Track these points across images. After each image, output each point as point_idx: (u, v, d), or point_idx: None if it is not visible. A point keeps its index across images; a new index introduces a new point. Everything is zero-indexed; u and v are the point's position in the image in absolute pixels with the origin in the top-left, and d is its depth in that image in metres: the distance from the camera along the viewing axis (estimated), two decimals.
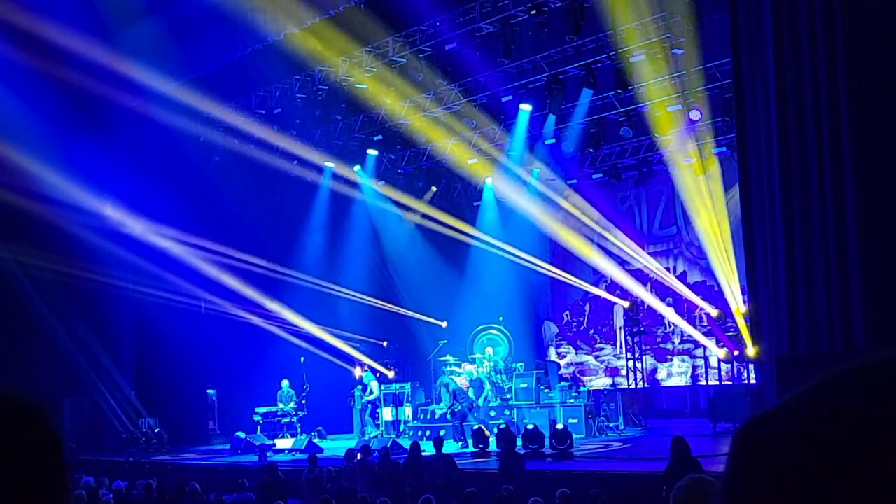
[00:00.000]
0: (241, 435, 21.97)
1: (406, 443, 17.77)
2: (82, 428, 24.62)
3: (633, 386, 23.93)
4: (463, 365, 23.47)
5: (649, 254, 26.41)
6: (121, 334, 25.71)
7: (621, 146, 24.31)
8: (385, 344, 26.29)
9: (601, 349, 27.31)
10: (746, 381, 21.99)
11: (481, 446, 18.46)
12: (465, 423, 20.75)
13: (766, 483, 0.78)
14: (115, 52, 21.17)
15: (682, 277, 25.68)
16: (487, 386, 22.09)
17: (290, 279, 25.88)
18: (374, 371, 24.15)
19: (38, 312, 24.08)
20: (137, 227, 23.78)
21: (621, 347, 26.00)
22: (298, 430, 23.26)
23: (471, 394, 21.98)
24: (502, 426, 19.13)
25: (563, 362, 26.17)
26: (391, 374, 24.63)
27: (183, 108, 22.67)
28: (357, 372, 23.86)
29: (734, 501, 0.81)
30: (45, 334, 24.14)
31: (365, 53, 21.47)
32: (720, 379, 23.53)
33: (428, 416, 22.64)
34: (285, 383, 23.78)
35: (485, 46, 19.85)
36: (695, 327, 24.99)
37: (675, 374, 25.51)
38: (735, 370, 23.39)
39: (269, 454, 19.95)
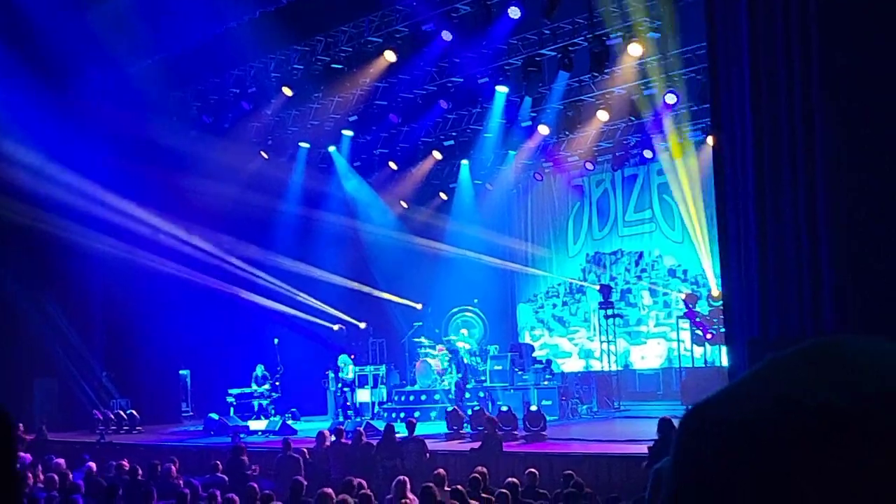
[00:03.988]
0: (215, 416, 21.91)
1: (380, 424, 17.78)
2: (52, 409, 24.50)
3: (606, 369, 24.01)
4: (438, 347, 23.52)
5: (624, 237, 26.48)
6: (91, 314, 25.53)
7: (597, 130, 24.29)
8: (364, 325, 26.28)
9: (575, 332, 27.39)
10: (718, 365, 22.14)
11: (455, 428, 18.52)
12: (465, 400, 20.76)
13: (709, 470, 0.77)
14: (88, 27, 20.91)
15: (657, 261, 25.76)
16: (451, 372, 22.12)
17: (263, 260, 25.78)
18: (348, 353, 24.12)
19: (6, 293, 23.88)
20: (109, 203, 23.54)
21: (595, 330, 26.07)
22: (272, 411, 23.24)
23: (447, 378, 22.03)
24: (476, 408, 19.22)
25: (536, 344, 26.21)
26: (351, 357, 24.43)
27: (157, 85, 22.45)
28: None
29: (680, 489, 0.80)
30: (14, 314, 23.94)
31: (341, 33, 21.35)
32: (693, 362, 23.64)
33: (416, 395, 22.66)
34: (259, 367, 23.74)
35: (462, 27, 19.77)
36: (669, 310, 25.10)
37: (648, 356, 25.62)
38: (707, 353, 23.51)
39: (242, 436, 19.91)
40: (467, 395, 21.72)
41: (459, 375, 21.31)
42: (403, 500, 9.97)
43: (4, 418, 1.29)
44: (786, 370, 0.79)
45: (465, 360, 21.96)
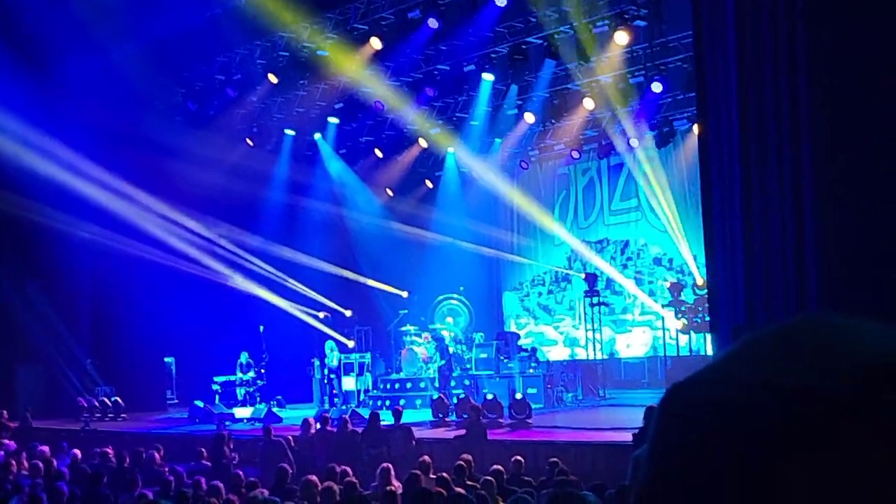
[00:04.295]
0: (200, 404, 21.88)
1: (366, 412, 17.79)
2: (37, 395, 24.40)
3: (591, 357, 24.06)
4: (423, 335, 23.53)
5: (610, 225, 26.52)
6: (76, 302, 25.45)
7: (583, 118, 24.28)
8: (350, 314, 26.25)
9: (560, 320, 27.45)
10: (703, 353, 22.25)
11: (441, 415, 18.55)
12: (449, 388, 20.76)
13: (687, 452, 0.76)
14: (72, 13, 20.76)
15: (643, 249, 25.82)
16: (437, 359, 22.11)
17: (249, 245, 25.70)
18: (335, 340, 24.10)
19: None
20: (93, 190, 23.42)
21: (580, 319, 26.11)
22: (257, 399, 23.22)
23: (433, 367, 22.02)
24: (462, 396, 19.25)
25: (522, 332, 26.24)
26: (351, 345, 24.59)
27: (141, 72, 22.32)
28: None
29: (655, 470, 0.79)
30: None
31: (327, 20, 21.28)
32: (678, 350, 23.74)
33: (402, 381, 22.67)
34: (244, 355, 23.71)
35: (448, 15, 19.73)
36: (654, 299, 25.17)
37: (633, 345, 25.70)
38: (693, 341, 23.61)
39: (227, 423, 19.88)
40: (452, 382, 21.74)
41: (444, 363, 21.31)
42: (388, 487, 9.97)
43: None
44: (764, 349, 0.78)
45: (451, 349, 21.97)
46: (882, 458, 0.69)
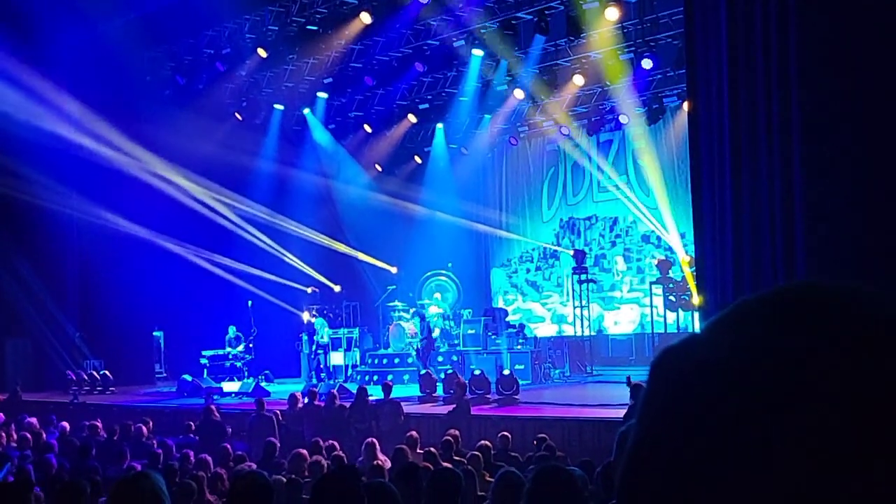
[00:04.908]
0: (188, 378, 21.91)
1: (354, 387, 17.83)
2: (25, 368, 24.41)
3: (579, 334, 24.13)
4: (411, 310, 23.55)
5: (599, 202, 26.53)
6: (64, 274, 25.41)
7: (573, 94, 24.24)
8: (338, 289, 26.26)
9: (548, 297, 27.50)
10: (691, 330, 22.29)
11: (428, 391, 18.60)
12: (430, 365, 20.81)
13: (680, 413, 0.76)
14: None
15: (631, 226, 25.86)
16: (436, 332, 22.16)
17: (239, 217, 25.64)
18: (325, 316, 24.12)
19: None
20: (81, 164, 23.33)
21: (568, 295, 26.17)
22: (245, 373, 23.26)
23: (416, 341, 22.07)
24: (449, 371, 19.29)
25: (510, 309, 26.28)
26: (305, 317, 24.31)
27: (130, 45, 22.19)
28: (305, 316, 23.77)
29: (647, 433, 0.79)
30: None
31: None
32: (666, 327, 23.81)
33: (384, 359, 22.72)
34: (232, 329, 23.74)
35: None
36: (642, 276, 25.24)
37: (621, 322, 25.77)
38: (680, 318, 23.69)
39: (215, 397, 19.92)
40: (440, 358, 21.79)
41: (424, 339, 21.34)
42: (374, 461, 10.03)
43: None
44: (757, 313, 0.78)
45: (432, 325, 22.01)
46: (877, 422, 0.69)
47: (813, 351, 0.73)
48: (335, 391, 16.67)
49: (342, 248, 27.01)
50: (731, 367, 0.75)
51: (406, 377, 21.36)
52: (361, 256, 27.05)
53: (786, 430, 0.71)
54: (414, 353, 21.75)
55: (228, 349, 23.61)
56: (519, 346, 21.47)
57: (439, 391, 18.54)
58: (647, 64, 20.59)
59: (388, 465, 10.06)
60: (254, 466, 9.72)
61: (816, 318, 0.75)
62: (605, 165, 26.04)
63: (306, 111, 26.33)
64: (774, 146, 10.87)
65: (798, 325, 0.75)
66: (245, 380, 22.54)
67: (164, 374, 25.69)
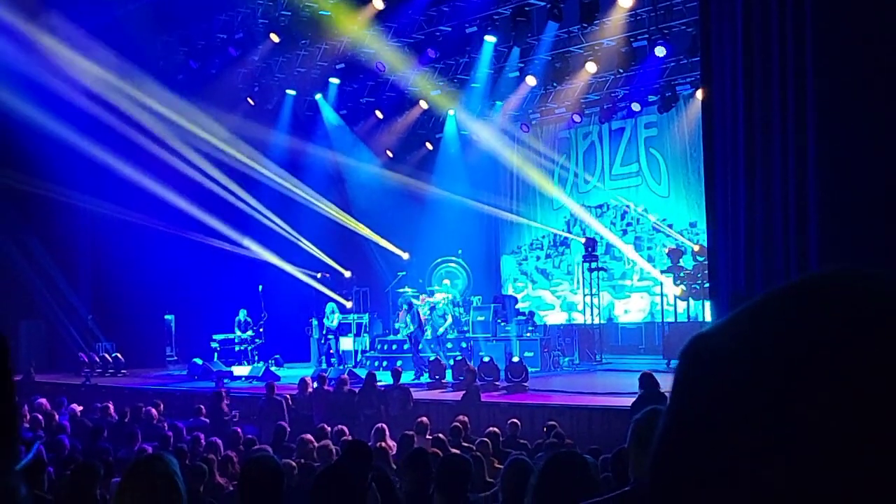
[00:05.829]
0: (199, 361, 22.00)
1: (363, 373, 17.87)
2: (38, 350, 24.56)
3: (589, 322, 24.12)
4: (421, 297, 23.58)
5: (611, 190, 26.48)
6: (77, 257, 25.53)
7: (585, 81, 24.18)
8: (349, 274, 26.31)
9: (558, 284, 27.49)
10: (701, 319, 22.29)
11: (437, 377, 18.63)
12: (419, 352, 20.83)
13: (709, 401, 0.76)
14: None
15: (642, 215, 25.81)
16: (449, 320, 22.13)
17: (250, 209, 25.67)
18: (335, 302, 24.16)
19: None
20: (94, 151, 23.36)
21: (579, 283, 26.15)
22: (255, 357, 23.34)
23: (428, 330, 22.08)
24: (458, 358, 19.33)
25: (519, 296, 26.29)
26: (349, 305, 24.68)
27: (143, 30, 22.19)
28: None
29: (675, 420, 0.79)
30: None
31: None
32: (676, 316, 23.78)
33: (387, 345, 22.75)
34: (242, 312, 23.80)
35: None
36: (653, 264, 25.20)
37: (631, 310, 25.75)
38: (691, 308, 23.65)
39: (226, 381, 19.99)
40: (449, 345, 21.81)
41: (415, 328, 21.31)
42: (380, 444, 10.04)
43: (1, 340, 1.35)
44: (792, 301, 0.78)
45: (439, 311, 22.02)
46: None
47: (838, 341, 0.72)
48: (345, 376, 16.72)
49: (354, 224, 26.99)
50: (756, 357, 0.75)
51: (399, 363, 21.33)
52: (374, 237, 27.05)
53: (824, 416, 0.70)
54: (408, 340, 21.71)
55: (238, 333, 23.68)
56: (528, 334, 21.49)
57: (448, 377, 18.57)
58: (660, 51, 20.50)
59: (395, 450, 10.09)
60: (269, 450, 9.76)
61: (844, 308, 0.75)
62: (617, 153, 25.99)
63: (318, 96, 26.32)
64: (789, 136, 10.81)
65: (837, 314, 0.74)
66: (255, 364, 22.63)
67: (175, 358, 25.80)
